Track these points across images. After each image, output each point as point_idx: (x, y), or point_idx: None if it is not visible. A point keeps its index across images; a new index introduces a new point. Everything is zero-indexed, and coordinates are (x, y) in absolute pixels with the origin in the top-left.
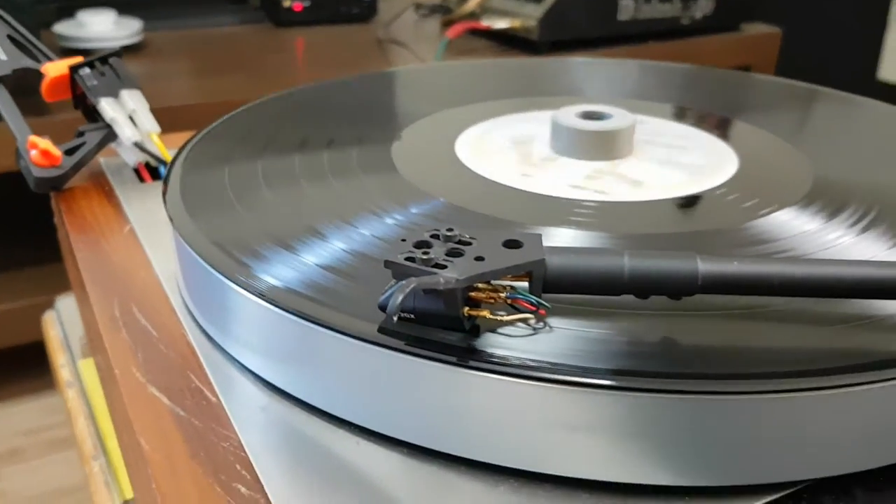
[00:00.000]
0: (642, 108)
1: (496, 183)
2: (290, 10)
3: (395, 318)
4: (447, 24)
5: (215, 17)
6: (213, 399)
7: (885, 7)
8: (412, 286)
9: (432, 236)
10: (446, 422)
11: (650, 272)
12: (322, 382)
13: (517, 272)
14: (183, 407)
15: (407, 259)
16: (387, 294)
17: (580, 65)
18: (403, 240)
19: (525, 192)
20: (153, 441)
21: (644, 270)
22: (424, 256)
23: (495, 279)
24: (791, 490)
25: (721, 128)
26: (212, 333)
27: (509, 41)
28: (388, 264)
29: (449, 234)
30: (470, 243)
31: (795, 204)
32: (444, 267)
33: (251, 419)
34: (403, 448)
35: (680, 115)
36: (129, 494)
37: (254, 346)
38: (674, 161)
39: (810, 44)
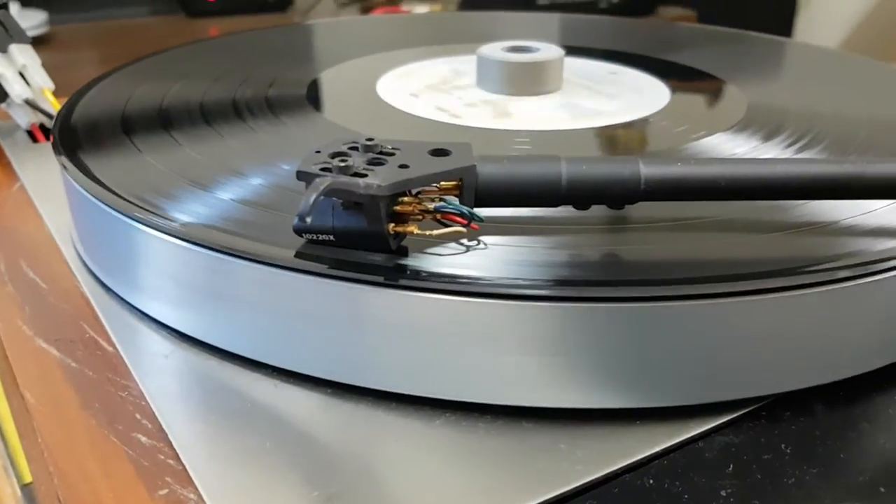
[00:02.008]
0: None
1: (422, 118)
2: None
3: (308, 221)
4: (366, 10)
5: (125, 8)
6: (110, 349)
7: None
8: (326, 184)
9: (351, 147)
10: (373, 354)
11: (590, 177)
12: (234, 322)
13: (446, 178)
14: (74, 358)
15: (323, 170)
16: (300, 208)
17: (507, 18)
18: (318, 151)
19: (453, 125)
20: (39, 394)
21: (584, 176)
22: (342, 164)
23: (422, 187)
24: (750, 408)
25: (651, 67)
26: (108, 283)
27: None
28: (300, 175)
29: (369, 143)
30: (393, 153)
31: (731, 128)
32: (365, 175)
33: (153, 367)
34: (327, 388)
35: (609, 57)
36: (29, 478)
37: (155, 289)
38: (606, 94)
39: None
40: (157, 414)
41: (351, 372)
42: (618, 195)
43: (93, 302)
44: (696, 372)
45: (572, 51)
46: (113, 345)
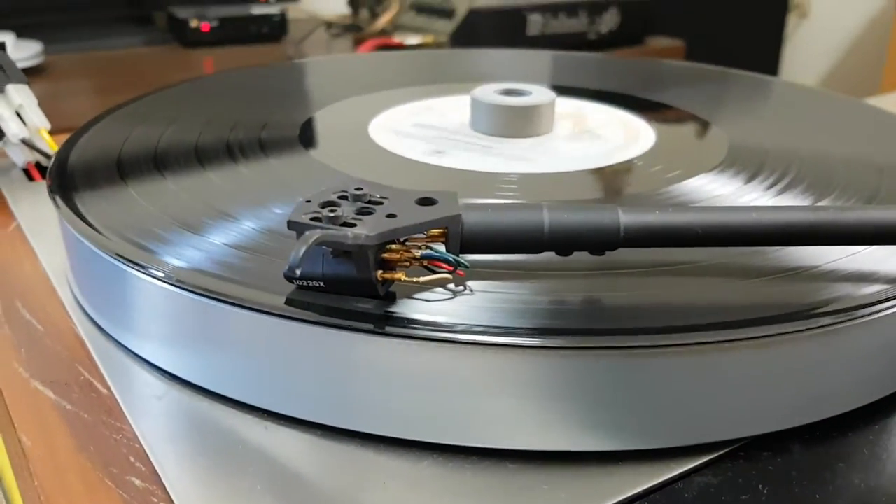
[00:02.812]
0: (559, 91)
1: (413, 160)
2: (197, 30)
3: (298, 273)
4: (359, 41)
5: (120, 38)
6: (105, 391)
7: (781, 21)
8: (315, 237)
9: (340, 196)
10: (362, 398)
11: (571, 225)
12: (225, 365)
13: (432, 228)
14: (69, 400)
15: (313, 219)
16: (290, 260)
17: (497, 56)
18: (308, 200)
19: (443, 167)
20: (35, 436)
21: (565, 224)
22: (332, 215)
23: (409, 237)
24: (728, 449)
25: (637, 107)
26: (103, 324)
27: None
28: (291, 225)
29: (358, 192)
30: (381, 202)
31: (713, 169)
32: (354, 225)
33: (147, 409)
34: (317, 430)
35: (596, 97)
36: None
37: (149, 331)
38: (594, 136)
39: (713, 56)
40: (150, 456)
41: (340, 415)
42: (598, 243)
43: (88, 343)
44: (676, 415)
45: (563, 90)
46: (107, 387)
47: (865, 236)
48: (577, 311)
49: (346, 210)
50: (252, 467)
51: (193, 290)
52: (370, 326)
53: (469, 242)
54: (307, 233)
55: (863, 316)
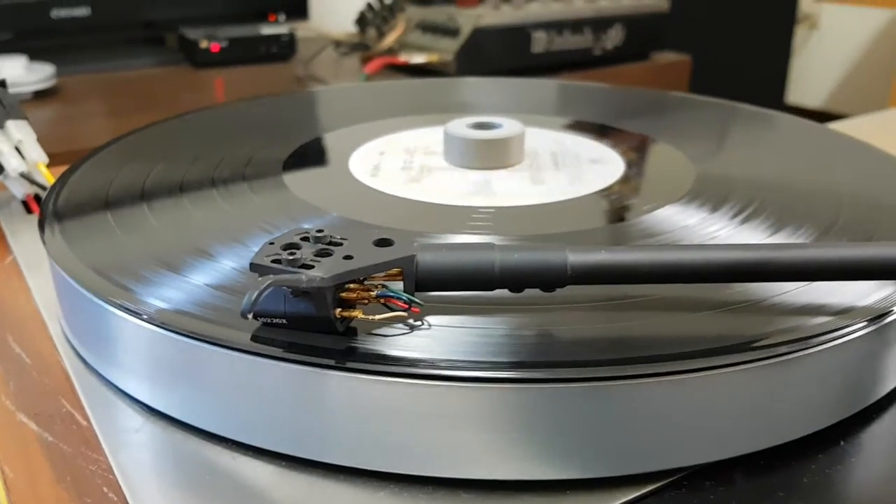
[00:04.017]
0: (533, 121)
1: (389, 195)
2: (207, 50)
3: (250, 317)
4: (366, 60)
5: (131, 59)
6: (85, 423)
7: (789, 34)
8: (267, 284)
9: (302, 238)
10: (321, 430)
11: (520, 265)
12: (197, 398)
13: (385, 269)
14: (52, 432)
15: (273, 261)
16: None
17: (478, 84)
18: (271, 243)
19: (419, 202)
20: (18, 468)
21: (514, 263)
22: (291, 257)
23: (364, 277)
24: (672, 479)
25: (608, 136)
26: (87, 357)
27: (427, 75)
28: (253, 267)
29: (319, 235)
30: (340, 244)
31: (679, 200)
32: (312, 267)
33: (123, 441)
34: (281, 460)
35: (571, 126)
36: None
37: (127, 366)
38: (563, 167)
39: (720, 70)
40: (122, 486)
41: (302, 446)
42: (547, 281)
43: (73, 377)
44: (621, 445)
45: (536, 122)
46: (88, 419)
47: (806, 274)
48: (527, 344)
49: (306, 252)
50: (219, 496)
51: (167, 327)
52: (330, 362)
53: (424, 281)
54: (259, 279)
55: (805, 348)
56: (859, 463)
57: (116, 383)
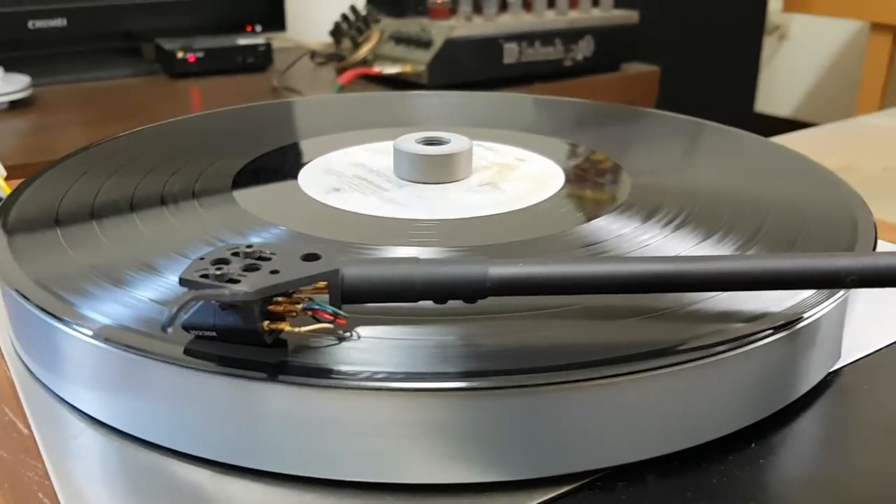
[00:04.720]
0: (486, 134)
1: (336, 209)
2: (184, 60)
3: (170, 331)
4: (341, 71)
5: (108, 70)
6: (26, 431)
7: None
8: (188, 298)
9: (233, 254)
10: (249, 436)
11: (439, 278)
12: (133, 408)
13: (310, 283)
14: None
15: (202, 276)
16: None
17: (445, 98)
18: (202, 258)
19: (364, 215)
20: None
21: (433, 277)
22: (218, 272)
23: (289, 291)
24: (587, 480)
25: (553, 150)
26: (31, 366)
27: (400, 86)
28: (182, 282)
29: (248, 250)
30: (269, 258)
31: (614, 210)
32: (238, 282)
33: (62, 448)
34: (215, 466)
35: (518, 140)
36: None
37: (68, 376)
38: (507, 180)
39: (690, 80)
40: (57, 491)
41: (236, 454)
42: (467, 292)
43: (18, 386)
44: (540, 449)
45: (488, 135)
46: (29, 427)
47: (718, 284)
48: (453, 353)
49: (234, 267)
50: (154, 500)
51: (104, 341)
52: (260, 374)
53: (350, 294)
54: (179, 294)
55: (716, 354)
56: (767, 464)
57: (59, 393)
